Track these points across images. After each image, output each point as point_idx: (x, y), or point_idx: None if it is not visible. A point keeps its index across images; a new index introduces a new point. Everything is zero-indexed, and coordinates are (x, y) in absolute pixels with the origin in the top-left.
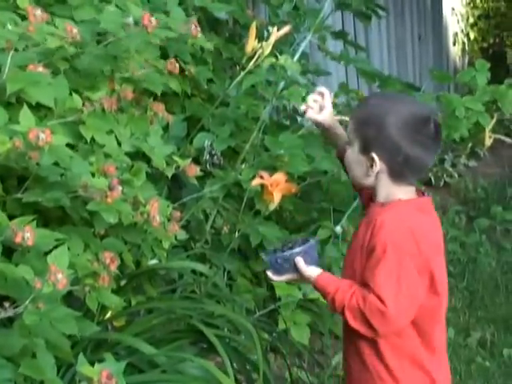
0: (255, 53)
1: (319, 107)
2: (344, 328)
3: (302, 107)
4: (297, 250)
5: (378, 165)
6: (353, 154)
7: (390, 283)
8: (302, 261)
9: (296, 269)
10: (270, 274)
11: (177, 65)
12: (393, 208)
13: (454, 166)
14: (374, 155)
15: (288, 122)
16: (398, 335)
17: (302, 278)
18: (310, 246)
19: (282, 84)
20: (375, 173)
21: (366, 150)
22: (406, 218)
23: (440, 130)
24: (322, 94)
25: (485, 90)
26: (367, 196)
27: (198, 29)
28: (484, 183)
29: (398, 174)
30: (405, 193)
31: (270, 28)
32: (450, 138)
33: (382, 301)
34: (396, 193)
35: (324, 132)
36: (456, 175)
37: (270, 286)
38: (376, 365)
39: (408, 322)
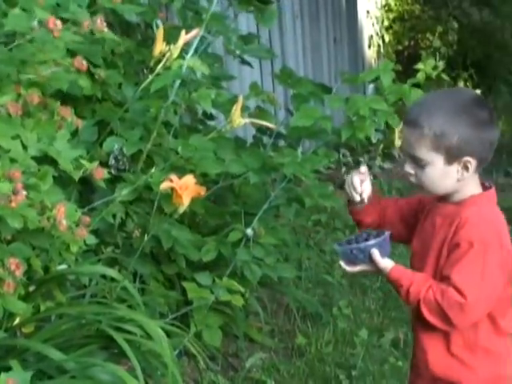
0: (164, 56)
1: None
2: (414, 322)
3: (358, 198)
4: (372, 242)
5: (473, 163)
6: (436, 171)
7: (473, 277)
8: (378, 252)
9: (370, 260)
10: (342, 264)
11: (84, 62)
12: (473, 204)
13: (369, 167)
14: (468, 157)
15: (199, 125)
16: (473, 328)
17: (376, 270)
18: (384, 238)
19: (177, 85)
20: (471, 172)
21: (455, 158)
22: (488, 213)
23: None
24: (362, 173)
25: (390, 90)
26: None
27: (104, 23)
28: (399, 185)
29: (484, 161)
30: (476, 184)
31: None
32: (355, 138)
33: (461, 293)
34: (470, 184)
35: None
36: (371, 177)
37: (183, 290)
38: (448, 358)
39: (484, 315)
